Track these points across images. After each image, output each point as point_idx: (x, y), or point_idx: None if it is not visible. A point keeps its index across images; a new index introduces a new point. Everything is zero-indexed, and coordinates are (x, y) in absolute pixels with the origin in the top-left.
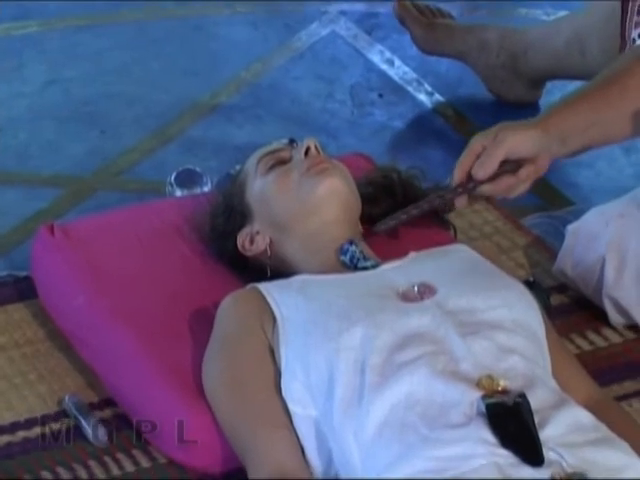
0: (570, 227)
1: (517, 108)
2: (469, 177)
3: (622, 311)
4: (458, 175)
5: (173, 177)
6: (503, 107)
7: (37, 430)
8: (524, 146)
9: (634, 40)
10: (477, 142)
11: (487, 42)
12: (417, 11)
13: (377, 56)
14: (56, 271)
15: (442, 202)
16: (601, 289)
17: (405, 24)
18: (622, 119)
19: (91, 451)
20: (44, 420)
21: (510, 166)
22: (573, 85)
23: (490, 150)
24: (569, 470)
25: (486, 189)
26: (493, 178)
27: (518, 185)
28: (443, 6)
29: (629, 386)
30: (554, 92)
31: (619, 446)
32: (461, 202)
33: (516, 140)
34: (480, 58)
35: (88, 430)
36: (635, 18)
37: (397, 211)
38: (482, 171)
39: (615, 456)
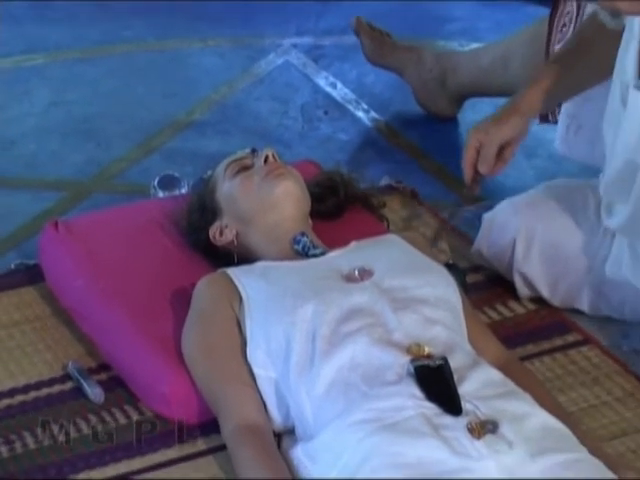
0: (485, 215)
1: (439, 122)
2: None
3: (529, 284)
4: (468, 170)
5: (156, 181)
6: (426, 122)
7: (45, 391)
8: (510, 135)
9: None
10: (474, 138)
11: (424, 58)
12: (370, 28)
13: (323, 80)
14: (60, 259)
15: (469, 195)
16: (512, 266)
17: (359, 37)
18: (586, 79)
19: (90, 407)
20: (51, 382)
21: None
22: (491, 103)
23: (486, 147)
24: (483, 418)
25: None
26: None
27: (505, 163)
28: None
29: (531, 349)
30: (470, 109)
31: (523, 397)
32: (476, 190)
33: (503, 132)
34: (415, 71)
35: (88, 390)
36: (559, 35)
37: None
38: (485, 165)
39: (520, 405)
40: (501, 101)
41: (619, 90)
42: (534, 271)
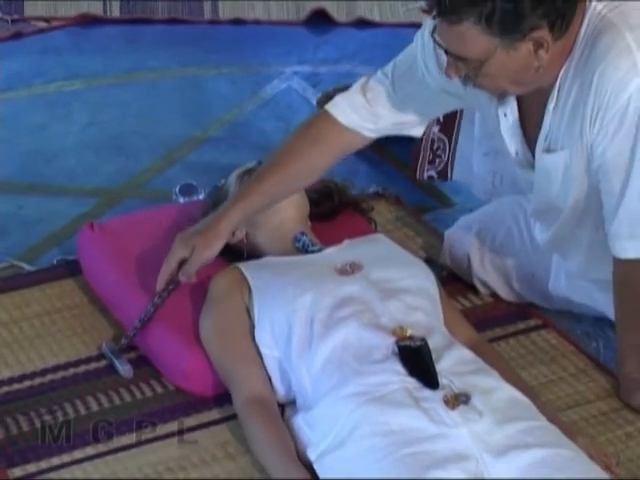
0: (446, 233)
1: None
2: (172, 278)
3: (487, 287)
4: (164, 275)
5: (177, 189)
6: (407, 138)
7: (83, 368)
8: (210, 257)
9: (438, 118)
10: (179, 252)
11: None
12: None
13: None
14: (95, 256)
15: (160, 301)
16: (471, 273)
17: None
18: (290, 184)
19: (121, 382)
20: (88, 361)
21: None
22: None
23: (190, 261)
24: (457, 391)
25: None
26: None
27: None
28: None
29: (498, 332)
30: None
31: (491, 373)
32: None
33: (208, 254)
34: None
35: (119, 367)
36: (427, 166)
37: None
38: (185, 277)
39: (488, 380)
40: None
41: (517, 166)
42: (489, 277)
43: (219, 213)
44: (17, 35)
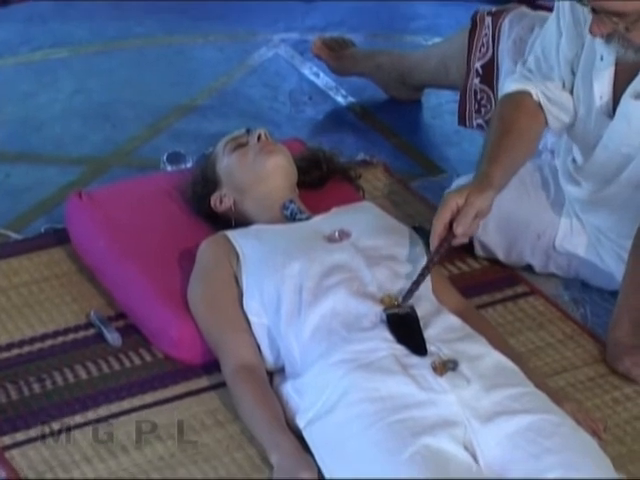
0: (446, 193)
1: (405, 105)
2: (448, 229)
3: (486, 249)
4: (438, 227)
5: (165, 157)
6: (395, 106)
7: (71, 336)
8: (486, 204)
9: (477, 70)
10: (452, 200)
11: (382, 65)
12: (328, 49)
13: (307, 70)
14: (83, 224)
15: (437, 258)
16: (473, 236)
17: (321, 59)
18: (525, 152)
19: (110, 350)
20: (76, 329)
21: None
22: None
23: (465, 210)
24: (445, 358)
25: (458, 240)
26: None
27: (473, 233)
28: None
29: (485, 299)
30: (433, 94)
31: (478, 340)
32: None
33: (482, 202)
34: (377, 75)
35: (107, 335)
36: (478, 54)
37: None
38: (461, 228)
39: (476, 347)
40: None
41: (594, 113)
42: (491, 239)
43: (483, 172)
44: (3, 3)
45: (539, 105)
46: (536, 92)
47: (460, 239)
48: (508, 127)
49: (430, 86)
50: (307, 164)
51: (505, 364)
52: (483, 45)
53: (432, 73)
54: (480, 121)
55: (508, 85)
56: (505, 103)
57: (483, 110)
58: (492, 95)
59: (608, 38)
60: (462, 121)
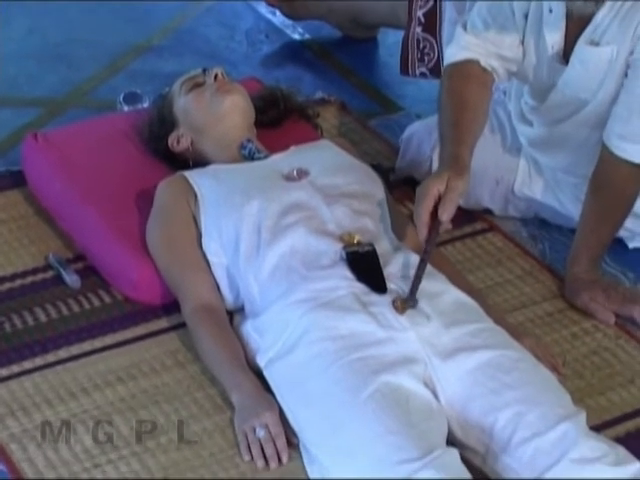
0: (403, 136)
1: (362, 43)
2: (432, 216)
3: None
4: (424, 216)
5: (121, 97)
6: (352, 44)
7: (30, 279)
8: (466, 187)
9: (419, 18)
10: (434, 187)
11: (334, 8)
12: None
13: (264, 9)
14: (39, 166)
15: (430, 249)
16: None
17: (274, 6)
18: (482, 124)
19: (69, 292)
20: (35, 271)
21: None
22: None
23: (449, 196)
24: (404, 295)
25: (444, 226)
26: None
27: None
28: None
29: (444, 235)
30: (388, 31)
31: (438, 277)
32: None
33: (463, 185)
34: (331, 18)
35: (66, 278)
36: (420, 2)
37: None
38: (447, 214)
39: (435, 284)
40: None
41: (546, 62)
42: None
43: (454, 155)
44: None
45: (487, 70)
46: (485, 59)
47: (446, 225)
48: (463, 103)
49: (384, 27)
50: (264, 103)
51: (464, 301)
52: None
53: (383, 17)
54: (423, 69)
55: (453, 53)
56: (453, 75)
57: (426, 58)
58: (435, 43)
59: None
60: (405, 70)
